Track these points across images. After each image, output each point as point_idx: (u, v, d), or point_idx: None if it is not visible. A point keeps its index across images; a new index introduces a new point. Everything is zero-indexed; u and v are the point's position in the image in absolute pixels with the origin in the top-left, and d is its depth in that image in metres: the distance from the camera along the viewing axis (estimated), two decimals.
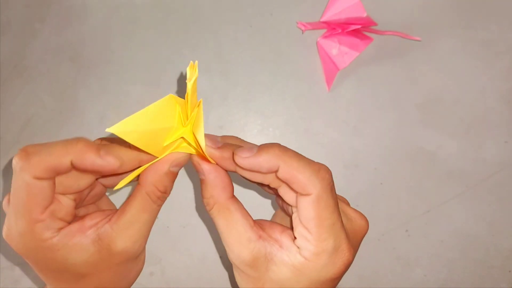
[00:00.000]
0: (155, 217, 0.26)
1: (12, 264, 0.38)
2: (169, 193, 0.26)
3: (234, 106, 0.39)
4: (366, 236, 0.38)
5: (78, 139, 0.23)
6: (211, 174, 0.24)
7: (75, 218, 0.25)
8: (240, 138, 0.26)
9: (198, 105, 0.25)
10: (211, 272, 0.38)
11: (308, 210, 0.22)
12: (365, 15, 0.38)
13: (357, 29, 0.38)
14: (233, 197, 0.25)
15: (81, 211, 0.27)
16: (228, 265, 0.38)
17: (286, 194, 0.24)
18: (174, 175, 0.25)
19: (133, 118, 0.23)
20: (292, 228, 0.24)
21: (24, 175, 0.22)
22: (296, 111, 0.39)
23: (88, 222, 0.24)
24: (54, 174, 0.22)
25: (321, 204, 0.22)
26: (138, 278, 0.37)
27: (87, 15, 0.40)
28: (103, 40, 0.40)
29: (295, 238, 0.23)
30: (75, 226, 0.24)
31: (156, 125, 0.24)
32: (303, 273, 0.23)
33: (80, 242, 0.24)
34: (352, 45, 0.38)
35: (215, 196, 0.24)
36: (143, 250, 0.27)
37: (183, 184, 0.38)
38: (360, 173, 0.38)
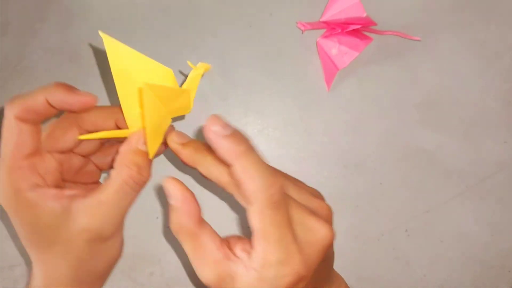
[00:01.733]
0: (129, 201, 0.25)
1: (12, 264, 0.38)
2: (146, 176, 0.25)
3: (234, 106, 0.39)
4: (366, 236, 0.38)
5: (54, 82, 0.25)
6: (178, 201, 0.24)
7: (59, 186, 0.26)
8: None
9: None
10: None
11: (253, 222, 0.22)
12: (365, 15, 0.38)
13: (357, 29, 0.38)
14: (200, 221, 0.24)
15: (71, 189, 0.27)
16: None
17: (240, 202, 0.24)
18: (145, 154, 0.25)
19: (132, 52, 0.24)
20: None
21: (8, 115, 0.24)
22: (296, 111, 0.39)
23: (66, 192, 0.25)
24: (33, 115, 0.24)
25: (265, 218, 0.22)
26: (138, 278, 0.38)
27: (87, 15, 0.40)
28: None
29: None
30: (53, 190, 0.25)
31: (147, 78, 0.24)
32: (265, 280, 0.22)
33: (52, 207, 0.24)
34: (352, 45, 0.38)
35: (182, 223, 0.24)
36: (115, 234, 0.26)
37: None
38: (360, 173, 0.38)
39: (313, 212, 0.24)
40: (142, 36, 0.40)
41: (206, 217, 0.25)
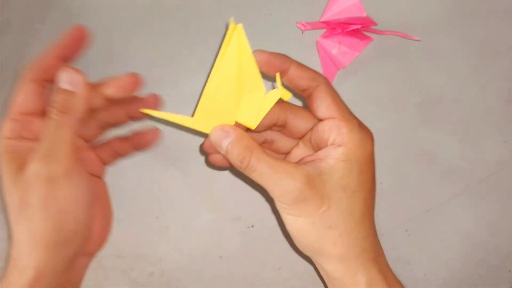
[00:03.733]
0: (65, 136, 0.27)
1: None
2: (70, 112, 0.27)
3: None
4: None
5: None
6: (235, 130, 0.26)
7: None
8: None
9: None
10: (211, 272, 0.38)
11: (325, 99, 0.26)
12: (365, 15, 0.38)
13: (357, 29, 0.38)
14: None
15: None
16: (232, 264, 0.38)
17: (296, 121, 0.29)
18: (65, 91, 0.27)
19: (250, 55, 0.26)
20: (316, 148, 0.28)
21: (22, 78, 0.29)
22: None
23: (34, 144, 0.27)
24: (41, 74, 0.28)
25: (332, 90, 0.27)
26: (138, 278, 0.37)
27: (87, 15, 0.40)
28: (103, 40, 0.40)
29: (325, 146, 0.27)
30: (32, 143, 0.27)
31: None
32: (350, 158, 0.25)
33: (25, 155, 0.27)
34: (352, 45, 0.38)
35: (250, 145, 0.26)
36: (68, 171, 0.27)
37: (183, 185, 0.38)
38: None
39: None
40: (142, 36, 0.40)
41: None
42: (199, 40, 0.40)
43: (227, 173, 0.38)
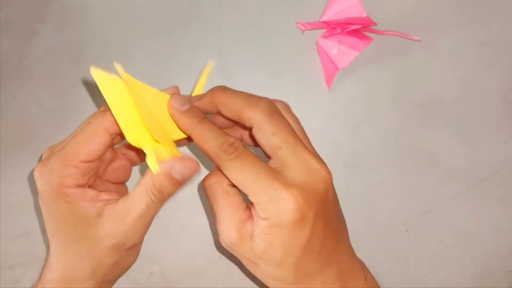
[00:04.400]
0: (151, 213, 0.26)
1: (12, 264, 0.38)
2: (168, 194, 0.26)
3: None
4: (366, 236, 0.38)
5: None
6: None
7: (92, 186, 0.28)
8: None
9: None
10: (211, 272, 0.38)
11: (233, 180, 0.25)
12: (365, 15, 0.38)
13: (357, 29, 0.38)
14: (231, 186, 0.26)
15: (100, 187, 0.29)
16: (232, 264, 0.38)
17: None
18: (175, 180, 0.25)
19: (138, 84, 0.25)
20: None
21: (98, 122, 0.26)
22: (296, 111, 0.39)
23: (103, 195, 0.26)
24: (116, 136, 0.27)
25: (232, 170, 0.24)
26: (138, 278, 0.38)
27: (87, 15, 0.40)
28: (103, 40, 0.40)
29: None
30: (91, 192, 0.26)
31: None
32: (270, 234, 0.24)
33: (88, 208, 0.25)
34: (352, 45, 0.38)
35: (219, 182, 0.25)
36: (137, 244, 0.27)
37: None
38: (360, 173, 0.38)
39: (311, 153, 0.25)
40: (142, 36, 0.40)
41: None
42: (199, 40, 0.40)
43: None
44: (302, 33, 0.40)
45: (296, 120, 0.27)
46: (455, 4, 0.40)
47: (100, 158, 0.27)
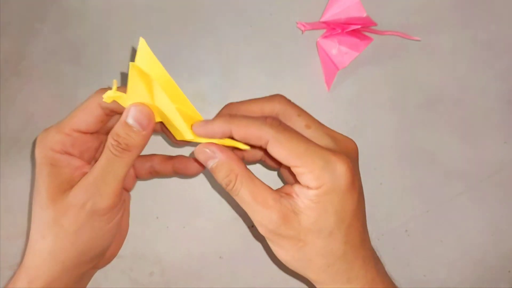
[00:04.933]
0: (115, 169, 0.26)
1: (12, 264, 0.38)
2: (127, 145, 0.26)
3: None
4: None
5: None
6: (223, 152, 0.25)
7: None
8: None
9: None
10: (211, 272, 0.38)
11: (279, 153, 0.24)
12: (365, 15, 0.38)
13: (357, 29, 0.38)
14: (247, 167, 0.26)
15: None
16: (232, 264, 0.38)
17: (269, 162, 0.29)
18: (130, 127, 0.25)
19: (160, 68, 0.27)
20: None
21: (93, 99, 0.27)
22: None
23: (86, 167, 0.28)
24: (110, 111, 0.28)
25: (284, 137, 0.24)
26: (138, 278, 0.38)
27: (87, 15, 0.40)
28: (103, 40, 0.40)
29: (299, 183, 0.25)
30: (78, 162, 0.28)
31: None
32: (323, 200, 0.24)
33: (67, 173, 0.27)
34: (352, 45, 0.38)
35: (236, 169, 0.25)
36: (112, 208, 0.27)
37: (183, 185, 0.38)
38: (360, 173, 0.38)
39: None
40: (142, 36, 0.40)
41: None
42: (199, 40, 0.40)
43: None
44: (302, 33, 0.40)
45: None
46: (455, 4, 0.40)
47: (92, 133, 0.28)
